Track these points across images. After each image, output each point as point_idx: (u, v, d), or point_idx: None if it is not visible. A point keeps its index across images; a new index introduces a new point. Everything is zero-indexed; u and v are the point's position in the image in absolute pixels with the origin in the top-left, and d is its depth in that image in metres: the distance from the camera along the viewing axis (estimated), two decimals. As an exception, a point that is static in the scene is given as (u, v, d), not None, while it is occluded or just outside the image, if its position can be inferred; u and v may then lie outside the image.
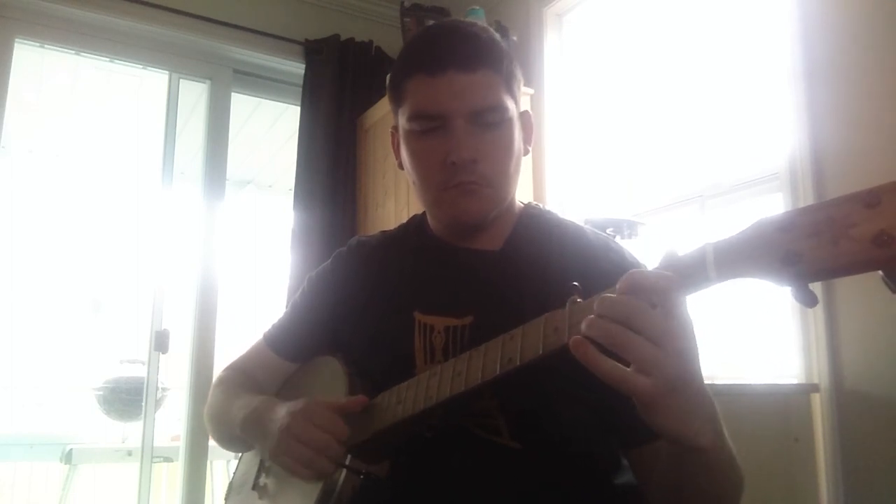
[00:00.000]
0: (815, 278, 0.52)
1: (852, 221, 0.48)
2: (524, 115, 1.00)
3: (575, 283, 0.67)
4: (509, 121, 0.94)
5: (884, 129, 1.61)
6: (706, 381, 0.62)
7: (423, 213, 1.09)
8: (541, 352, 0.66)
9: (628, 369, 0.58)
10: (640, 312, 0.57)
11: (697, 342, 0.59)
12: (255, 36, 2.90)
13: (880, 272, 0.49)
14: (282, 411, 0.91)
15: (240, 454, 1.19)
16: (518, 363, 0.69)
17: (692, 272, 0.58)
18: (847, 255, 0.48)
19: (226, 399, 1.08)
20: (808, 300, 0.53)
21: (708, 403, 0.62)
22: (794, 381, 1.76)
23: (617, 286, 0.60)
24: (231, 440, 1.10)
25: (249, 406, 0.99)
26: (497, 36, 0.96)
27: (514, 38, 2.58)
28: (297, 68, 2.97)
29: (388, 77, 1.01)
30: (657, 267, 0.61)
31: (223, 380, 1.14)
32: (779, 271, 0.52)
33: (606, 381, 0.59)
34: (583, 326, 0.60)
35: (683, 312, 0.58)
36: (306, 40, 2.95)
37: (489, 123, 0.92)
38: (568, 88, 2.65)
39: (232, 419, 1.02)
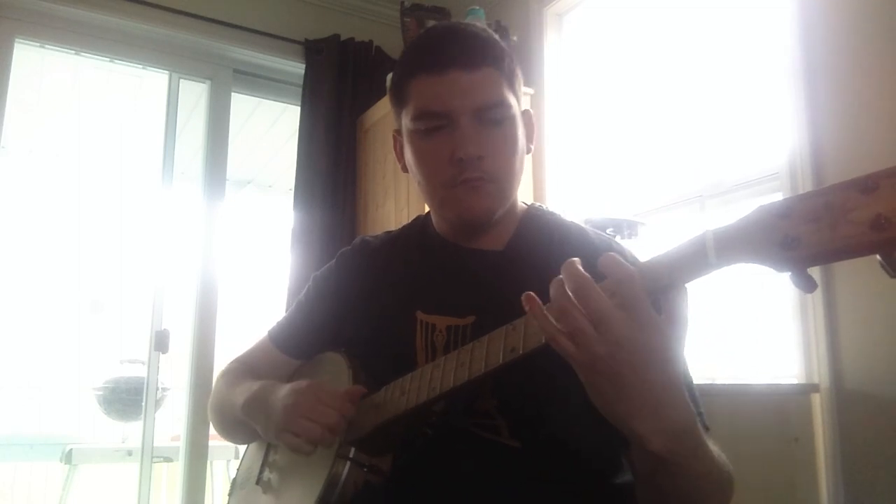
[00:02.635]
0: (813, 262, 0.52)
1: (850, 206, 0.49)
2: (526, 114, 1.00)
3: None
4: (513, 118, 0.95)
5: (884, 129, 1.61)
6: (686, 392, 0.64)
7: (428, 213, 1.10)
8: (543, 340, 0.67)
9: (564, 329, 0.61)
10: (586, 289, 0.60)
11: (663, 352, 0.60)
12: (255, 36, 2.90)
13: (878, 256, 0.49)
14: (284, 390, 0.92)
15: (241, 455, 1.19)
16: (521, 352, 0.69)
17: (693, 258, 0.59)
18: (845, 239, 0.49)
19: (228, 387, 1.09)
20: (807, 285, 0.54)
21: (668, 414, 0.62)
22: (794, 381, 1.76)
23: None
24: (234, 427, 1.11)
25: (250, 389, 1.00)
26: (496, 35, 0.97)
27: (514, 38, 2.58)
28: (297, 68, 2.97)
29: (389, 79, 1.02)
30: (655, 258, 0.62)
31: (227, 371, 1.15)
32: (777, 256, 0.53)
33: (541, 330, 0.63)
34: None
35: (640, 310, 0.59)
36: (306, 40, 2.95)
37: (494, 120, 0.93)
38: (568, 88, 2.65)
39: (234, 404, 1.03)
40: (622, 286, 0.60)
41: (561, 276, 0.62)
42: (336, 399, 0.88)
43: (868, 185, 0.48)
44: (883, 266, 0.50)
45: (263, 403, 0.95)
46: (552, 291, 0.62)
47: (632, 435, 0.63)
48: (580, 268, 0.62)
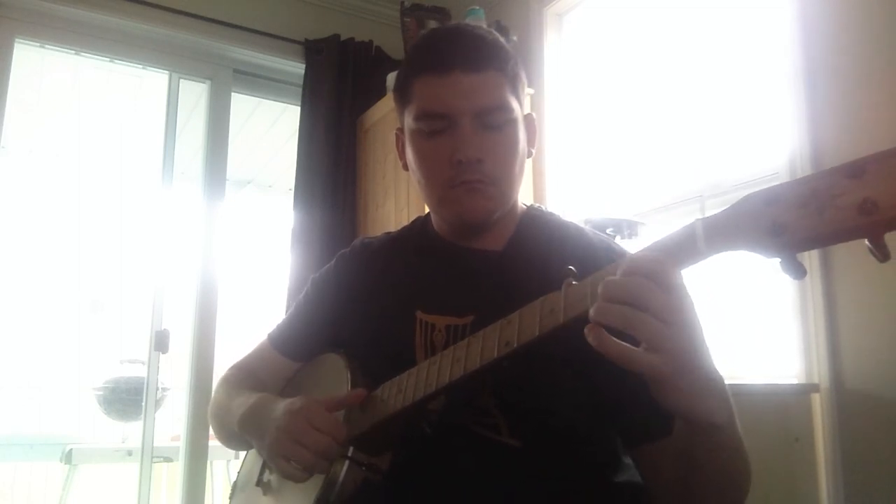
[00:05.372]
0: (802, 248, 0.53)
1: (838, 191, 0.50)
2: (528, 118, 1.01)
3: (571, 266, 0.68)
4: (514, 121, 0.95)
5: (884, 130, 1.61)
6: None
7: (427, 214, 1.10)
8: (537, 333, 0.67)
9: (637, 349, 0.59)
10: (644, 290, 0.59)
11: (700, 319, 0.61)
12: (255, 36, 2.90)
13: (866, 241, 0.50)
14: (279, 410, 0.90)
15: (240, 455, 1.19)
16: (516, 345, 0.69)
17: (683, 247, 0.60)
18: (833, 224, 0.50)
19: (227, 397, 1.09)
20: (797, 271, 0.54)
21: (719, 382, 0.63)
22: (794, 381, 1.75)
23: (617, 272, 0.61)
24: (231, 437, 1.11)
25: (247, 403, 0.99)
26: (502, 39, 0.98)
27: (514, 38, 2.58)
28: (297, 68, 2.97)
29: (393, 78, 1.02)
30: (647, 247, 0.63)
31: (227, 378, 1.15)
32: (766, 242, 0.53)
33: (618, 362, 0.60)
34: (592, 313, 0.61)
35: (681, 286, 0.59)
36: (306, 40, 2.95)
37: (495, 123, 0.93)
38: (568, 88, 2.65)
39: (231, 416, 1.02)
40: (658, 275, 0.59)
41: (604, 297, 0.60)
42: (328, 422, 0.86)
43: (855, 171, 0.49)
44: (871, 251, 0.50)
45: (258, 421, 0.94)
46: (603, 313, 0.60)
47: (700, 414, 0.62)
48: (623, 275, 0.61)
